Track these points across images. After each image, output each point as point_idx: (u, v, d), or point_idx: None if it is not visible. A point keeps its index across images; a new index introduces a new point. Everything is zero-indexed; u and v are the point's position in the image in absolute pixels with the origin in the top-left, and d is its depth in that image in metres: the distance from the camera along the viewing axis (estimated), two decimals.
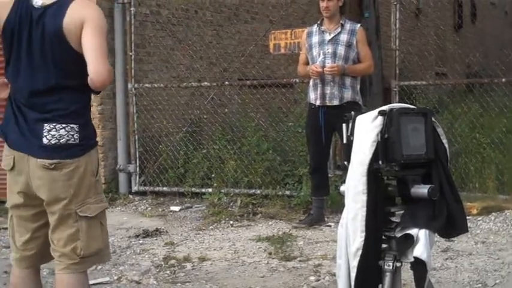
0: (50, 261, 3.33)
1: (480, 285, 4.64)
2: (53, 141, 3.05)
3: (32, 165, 3.10)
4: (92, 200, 3.19)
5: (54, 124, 3.06)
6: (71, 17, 3.05)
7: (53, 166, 3.07)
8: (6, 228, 6.72)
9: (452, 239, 5.48)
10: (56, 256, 3.21)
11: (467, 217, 3.08)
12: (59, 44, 3.06)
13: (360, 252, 2.68)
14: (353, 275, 2.71)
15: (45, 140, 3.06)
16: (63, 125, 3.07)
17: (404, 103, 7.39)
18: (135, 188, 8.20)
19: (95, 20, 3.08)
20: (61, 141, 3.06)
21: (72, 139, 3.08)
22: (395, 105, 2.81)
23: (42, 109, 3.09)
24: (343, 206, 2.85)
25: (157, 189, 8.10)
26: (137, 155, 8.21)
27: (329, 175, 6.73)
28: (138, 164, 8.20)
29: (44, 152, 3.07)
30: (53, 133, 3.06)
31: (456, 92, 11.07)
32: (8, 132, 3.17)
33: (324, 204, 6.57)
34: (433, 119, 2.77)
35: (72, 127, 3.08)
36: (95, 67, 3.02)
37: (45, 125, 3.06)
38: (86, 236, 3.16)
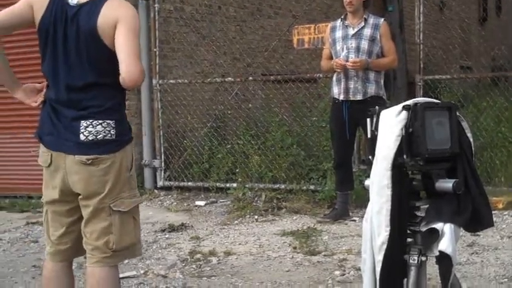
0: (83, 255, 3.39)
1: (506, 279, 4.63)
2: (90, 138, 3.11)
3: (69, 162, 3.16)
4: (126, 195, 3.24)
5: (90, 121, 3.11)
6: (105, 16, 3.09)
7: (90, 162, 3.13)
8: (34, 223, 6.89)
9: (478, 233, 5.47)
10: (88, 249, 3.26)
11: (493, 211, 3.07)
12: (93, 43, 3.11)
13: (385, 246, 2.68)
14: (378, 269, 2.71)
15: (82, 137, 3.11)
16: (100, 121, 3.12)
17: (428, 97, 7.38)
18: (160, 183, 8.26)
19: (129, 20, 3.12)
20: (98, 137, 3.11)
21: (109, 135, 3.13)
22: (420, 99, 2.81)
23: (79, 106, 3.13)
24: (367, 200, 2.85)
25: (182, 184, 8.15)
26: (162, 150, 8.27)
27: (353, 170, 6.73)
28: (163, 159, 8.26)
29: (81, 149, 3.12)
30: (89, 129, 3.11)
31: (481, 85, 10.99)
32: (43, 135, 3.23)
33: (349, 199, 6.57)
34: (457, 113, 2.77)
35: (109, 123, 3.13)
36: (127, 67, 3.05)
37: (82, 121, 3.11)
38: (119, 230, 3.21)
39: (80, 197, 3.20)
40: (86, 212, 3.21)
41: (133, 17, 3.16)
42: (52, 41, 3.17)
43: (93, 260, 3.24)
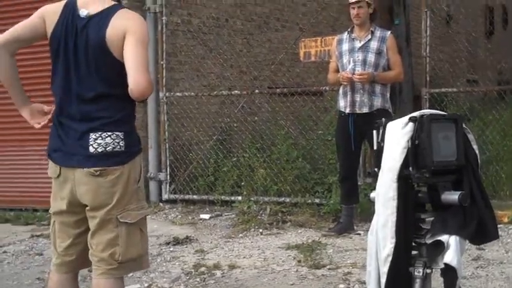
0: (89, 267, 3.38)
1: None
2: (99, 150, 3.12)
3: (77, 173, 3.16)
4: (133, 207, 3.23)
5: (100, 133, 3.12)
6: (113, 28, 3.10)
7: (98, 173, 3.13)
8: (39, 236, 6.89)
9: (483, 247, 5.45)
10: (94, 261, 3.25)
11: (499, 225, 3.06)
12: (102, 54, 3.12)
13: (390, 259, 2.67)
14: (383, 281, 2.71)
15: (91, 149, 3.12)
16: (109, 133, 3.13)
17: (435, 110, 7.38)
18: (165, 196, 8.26)
19: (137, 31, 3.12)
20: (107, 149, 3.12)
21: (118, 146, 3.14)
22: (426, 111, 2.81)
23: (89, 118, 3.14)
24: (372, 214, 2.85)
25: (187, 197, 8.15)
26: (168, 163, 8.27)
27: (359, 183, 6.72)
28: (168, 172, 8.26)
29: (90, 161, 3.13)
30: (99, 141, 3.12)
31: (487, 99, 10.99)
32: (51, 152, 3.25)
33: (354, 213, 6.55)
34: (463, 125, 2.76)
35: (118, 135, 3.14)
36: (135, 78, 3.05)
37: (91, 134, 3.12)
38: (125, 242, 3.20)
39: (87, 208, 3.20)
40: (92, 223, 3.21)
41: (142, 28, 3.17)
42: (63, 52, 3.19)
43: (99, 272, 3.23)
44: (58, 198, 3.27)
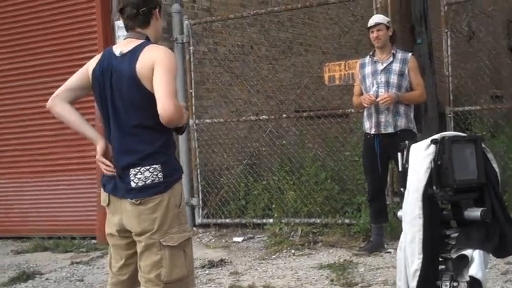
0: (140, 286, 3.61)
1: None
2: (140, 184, 3.36)
3: (123, 203, 3.43)
4: (175, 230, 3.44)
5: (138, 168, 3.36)
6: (143, 61, 3.34)
7: (138, 202, 3.37)
8: (78, 263, 7.11)
9: (511, 261, 5.53)
10: (142, 282, 3.49)
11: None
12: (134, 87, 3.35)
13: (418, 273, 2.82)
14: None
15: (133, 184, 3.37)
16: (147, 167, 3.36)
17: (459, 128, 7.49)
18: (198, 221, 8.43)
19: (165, 61, 3.34)
20: (147, 182, 3.36)
21: (157, 178, 3.37)
22: (447, 133, 2.98)
23: (127, 153, 3.40)
24: (401, 231, 3.00)
25: (220, 221, 8.31)
26: (200, 189, 8.46)
27: (387, 202, 6.80)
28: (201, 197, 8.45)
29: (132, 194, 3.38)
30: (139, 176, 3.36)
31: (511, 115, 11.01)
32: (106, 183, 3.52)
33: (383, 231, 6.64)
34: (482, 144, 2.92)
35: (155, 167, 3.36)
36: (162, 104, 3.25)
37: (131, 169, 3.37)
38: (169, 264, 3.41)
39: (132, 233, 3.44)
40: (139, 247, 3.45)
41: (169, 58, 3.39)
42: (102, 90, 3.46)
43: None
44: (111, 223, 3.54)
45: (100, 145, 3.55)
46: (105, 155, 3.53)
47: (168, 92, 3.27)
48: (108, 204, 3.52)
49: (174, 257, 3.43)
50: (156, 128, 3.37)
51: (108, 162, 3.49)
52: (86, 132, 3.62)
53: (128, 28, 3.54)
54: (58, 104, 3.57)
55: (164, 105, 3.24)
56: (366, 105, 6.32)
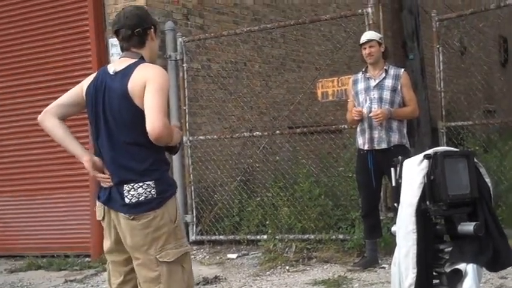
0: None
1: None
2: (133, 200, 3.38)
3: (118, 216, 3.45)
4: (171, 246, 3.44)
5: (132, 184, 3.38)
6: (135, 80, 3.37)
7: (132, 217, 3.39)
8: (72, 281, 7.09)
9: (505, 276, 5.54)
10: None
11: None
12: (126, 104, 3.38)
13: None
14: None
15: (126, 200, 3.39)
16: (140, 184, 3.38)
17: (452, 143, 7.52)
18: (192, 238, 8.41)
19: (156, 79, 3.37)
20: (140, 198, 3.38)
21: (150, 195, 3.39)
22: (440, 148, 3.00)
23: (120, 169, 3.42)
24: (395, 246, 3.02)
25: (214, 238, 8.30)
26: (194, 205, 8.44)
27: (381, 217, 6.81)
28: (194, 214, 8.43)
29: (126, 209, 3.40)
30: (132, 193, 3.38)
31: (504, 129, 11.05)
32: (101, 195, 3.53)
33: (377, 247, 6.66)
34: (475, 159, 2.95)
35: (148, 184, 3.38)
36: (151, 122, 3.27)
37: (125, 186, 3.39)
38: (167, 280, 3.42)
39: (128, 248, 3.44)
40: (136, 263, 3.46)
41: (161, 77, 3.41)
42: (95, 108, 3.49)
43: None
44: (107, 238, 3.56)
45: (86, 160, 3.53)
46: (96, 168, 3.53)
47: (158, 109, 3.29)
48: (103, 219, 3.53)
49: (171, 272, 3.44)
50: (147, 146, 3.39)
51: (103, 175, 3.49)
52: (70, 147, 3.59)
53: (123, 49, 3.57)
54: (48, 118, 3.60)
55: (153, 122, 3.26)
56: (355, 118, 6.35)
